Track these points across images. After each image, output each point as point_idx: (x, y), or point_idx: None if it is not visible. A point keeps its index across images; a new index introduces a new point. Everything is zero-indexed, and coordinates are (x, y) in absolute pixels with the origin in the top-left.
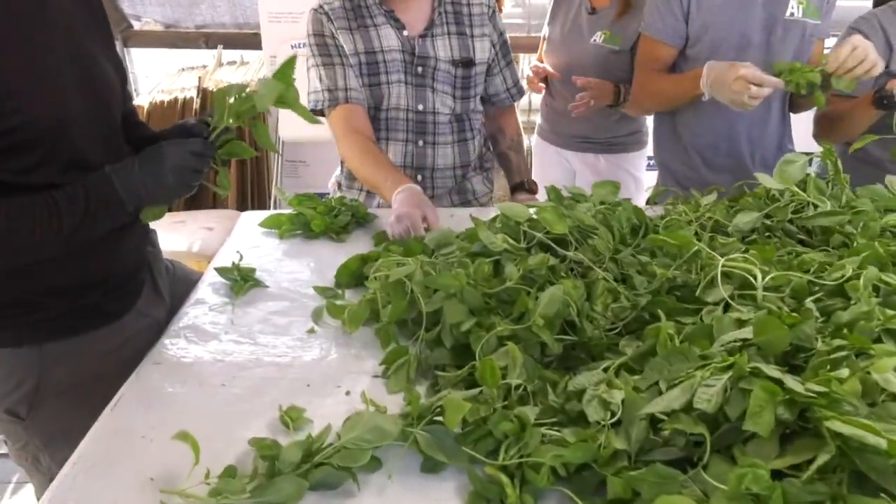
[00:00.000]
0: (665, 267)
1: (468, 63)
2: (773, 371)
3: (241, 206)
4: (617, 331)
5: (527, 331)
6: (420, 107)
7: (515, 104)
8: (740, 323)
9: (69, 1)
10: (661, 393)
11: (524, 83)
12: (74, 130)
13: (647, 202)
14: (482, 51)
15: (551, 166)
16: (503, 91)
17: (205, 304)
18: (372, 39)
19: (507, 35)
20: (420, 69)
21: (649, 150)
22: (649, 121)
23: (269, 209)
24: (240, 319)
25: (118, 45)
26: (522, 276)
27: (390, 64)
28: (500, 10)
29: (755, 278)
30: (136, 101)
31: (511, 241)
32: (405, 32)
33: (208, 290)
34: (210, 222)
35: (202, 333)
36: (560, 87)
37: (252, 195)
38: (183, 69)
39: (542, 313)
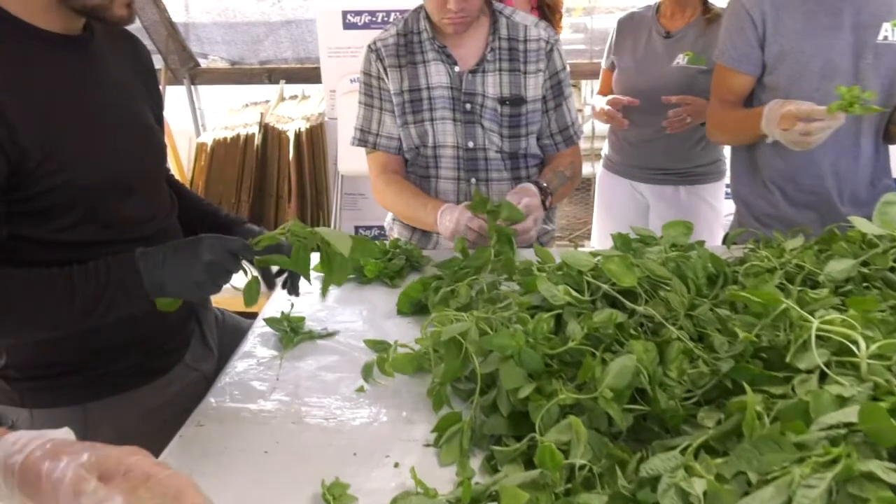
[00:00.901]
0: (748, 326)
1: (518, 101)
2: (890, 474)
3: None
4: (694, 399)
5: (592, 400)
6: (470, 143)
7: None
8: (841, 400)
9: (120, 58)
10: (749, 483)
11: (586, 116)
12: (117, 190)
13: (725, 243)
14: (535, 88)
15: (622, 201)
16: (546, 136)
17: (253, 358)
18: (419, 76)
19: (566, 72)
20: (468, 105)
21: (728, 177)
22: (727, 149)
23: None
24: (287, 375)
25: (185, 83)
26: (587, 335)
27: (436, 101)
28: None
29: (856, 344)
30: (200, 139)
31: (574, 293)
32: (456, 68)
33: (257, 341)
34: None
35: (248, 392)
36: (637, 115)
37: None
38: (247, 105)
39: (611, 385)
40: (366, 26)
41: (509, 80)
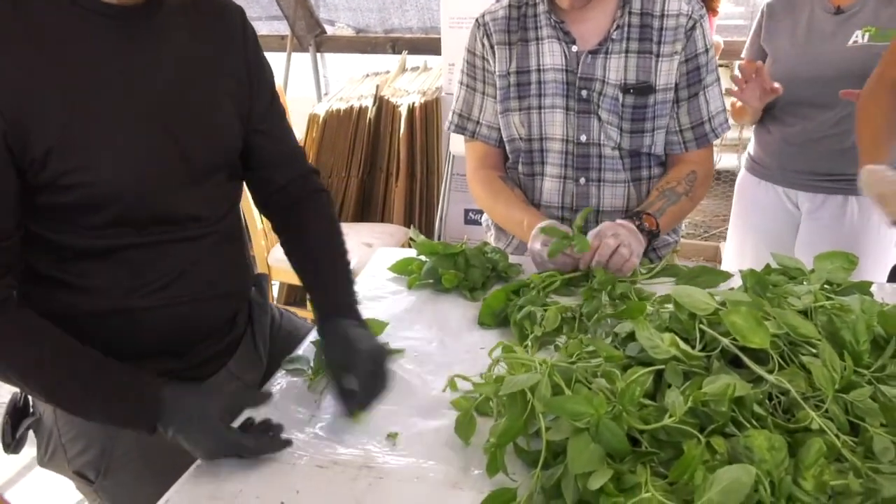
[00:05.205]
0: None
1: (645, 89)
2: None
3: (408, 220)
4: None
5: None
6: (583, 137)
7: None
8: None
9: (196, 34)
10: None
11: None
12: (153, 190)
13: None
14: (668, 74)
15: (768, 212)
16: (673, 132)
17: (300, 374)
18: (529, 56)
19: (709, 55)
20: (584, 92)
21: None
22: None
23: (435, 225)
24: (330, 401)
25: (311, 51)
26: (691, 409)
27: (547, 85)
28: (715, 11)
29: None
30: (313, 110)
31: (683, 344)
32: (574, 48)
33: (310, 352)
34: (371, 237)
35: (282, 419)
36: (802, 108)
37: (420, 209)
38: (367, 75)
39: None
40: None
41: (637, 63)
